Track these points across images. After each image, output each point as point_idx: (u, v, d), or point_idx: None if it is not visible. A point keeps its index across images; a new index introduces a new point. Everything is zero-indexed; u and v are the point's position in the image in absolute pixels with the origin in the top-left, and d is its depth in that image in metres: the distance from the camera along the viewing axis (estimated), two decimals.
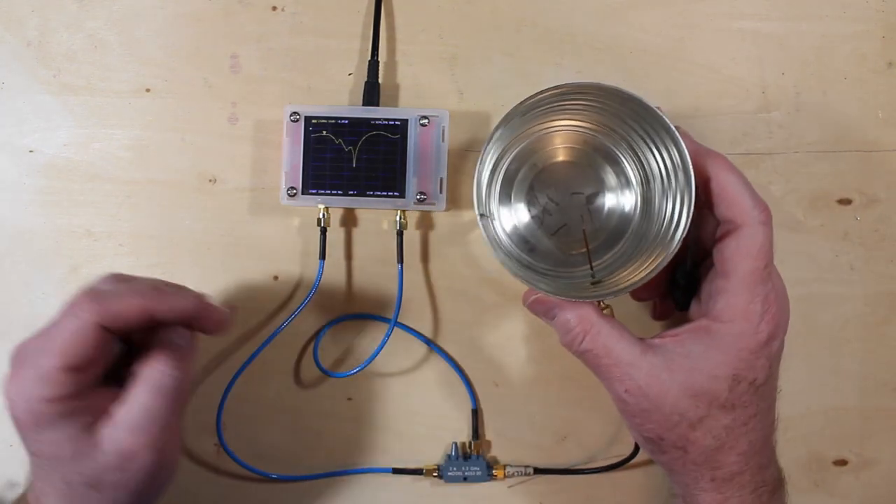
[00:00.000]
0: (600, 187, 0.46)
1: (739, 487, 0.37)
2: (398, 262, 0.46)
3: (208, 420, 0.48)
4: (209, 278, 0.48)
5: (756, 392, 0.37)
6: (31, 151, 0.48)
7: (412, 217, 0.48)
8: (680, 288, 0.40)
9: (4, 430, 0.48)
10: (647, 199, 0.45)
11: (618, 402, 0.38)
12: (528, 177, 0.46)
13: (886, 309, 0.48)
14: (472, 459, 0.47)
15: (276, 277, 0.48)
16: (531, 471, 0.47)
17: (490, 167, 0.44)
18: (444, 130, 0.45)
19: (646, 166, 0.44)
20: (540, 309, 0.40)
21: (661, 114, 0.38)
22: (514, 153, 0.46)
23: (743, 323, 0.36)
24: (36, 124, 0.48)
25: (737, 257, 0.36)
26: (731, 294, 0.36)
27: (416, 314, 0.48)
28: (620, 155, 0.45)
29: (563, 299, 0.38)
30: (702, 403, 0.36)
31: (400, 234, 0.46)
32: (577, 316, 0.38)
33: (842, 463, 0.48)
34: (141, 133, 0.48)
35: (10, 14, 0.48)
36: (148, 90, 0.48)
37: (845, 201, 0.48)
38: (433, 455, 0.48)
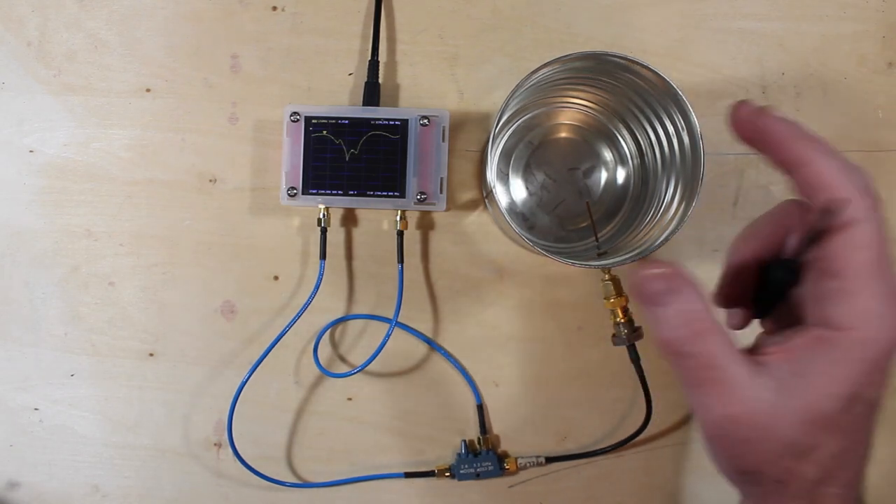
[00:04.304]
0: (596, 161, 0.46)
1: None
2: (398, 262, 0.46)
3: (208, 420, 0.48)
4: (209, 278, 0.48)
5: (870, 414, 0.31)
6: (31, 151, 0.48)
7: (412, 217, 0.48)
8: (770, 292, 0.34)
9: (4, 430, 0.48)
10: (643, 170, 0.45)
11: (711, 427, 0.31)
12: (525, 154, 0.46)
13: None
14: (482, 455, 0.47)
15: (276, 277, 0.48)
16: (543, 460, 0.48)
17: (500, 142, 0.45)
18: (444, 130, 0.45)
19: (642, 138, 0.45)
20: (653, 288, 0.31)
21: (667, 79, 0.37)
22: (510, 130, 0.46)
23: (867, 329, 0.30)
24: (36, 124, 0.48)
25: (847, 253, 0.30)
26: (849, 294, 0.30)
27: (417, 314, 0.48)
28: (616, 128, 0.46)
29: (687, 280, 0.31)
30: (815, 430, 0.30)
31: (400, 234, 0.46)
32: (696, 311, 0.31)
33: None
34: (141, 133, 0.48)
35: (10, 14, 0.48)
36: (148, 90, 0.48)
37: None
38: (433, 454, 0.48)
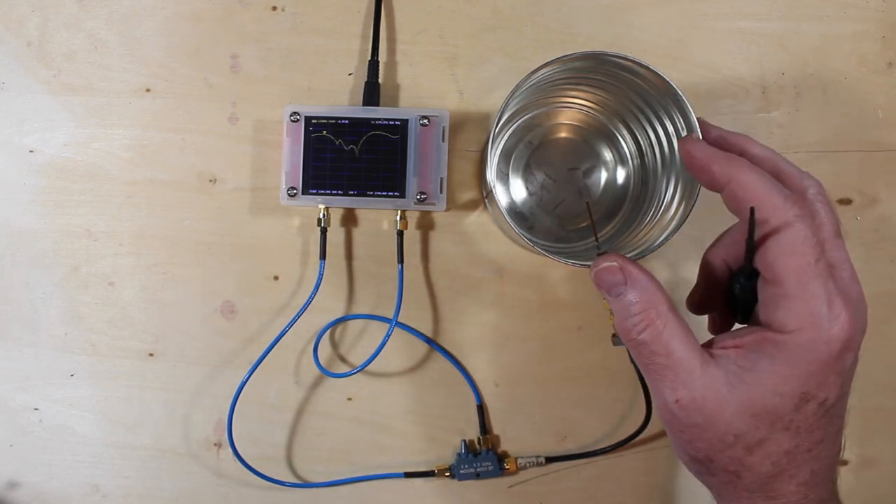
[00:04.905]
0: (596, 161, 0.46)
1: None
2: (398, 262, 0.46)
3: (208, 420, 0.48)
4: (209, 278, 0.48)
5: (825, 414, 0.32)
6: (31, 151, 0.48)
7: (412, 217, 0.48)
8: (738, 299, 0.36)
9: (4, 430, 0.48)
10: (643, 171, 0.45)
11: (664, 411, 0.33)
12: (525, 154, 0.46)
13: (886, 309, 0.48)
14: (482, 455, 0.47)
15: (276, 277, 0.48)
16: (543, 460, 0.48)
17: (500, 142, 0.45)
18: (444, 130, 0.45)
19: (642, 138, 0.45)
20: (608, 279, 0.34)
21: (667, 79, 0.38)
22: (510, 130, 0.46)
23: (811, 331, 0.31)
24: (36, 124, 0.48)
25: (781, 259, 0.31)
26: (789, 300, 0.31)
27: (417, 314, 0.48)
28: (615, 129, 0.46)
29: (641, 272, 0.34)
30: (763, 424, 0.32)
31: (400, 234, 0.46)
32: (646, 301, 0.33)
33: (842, 463, 0.48)
34: (141, 133, 0.48)
35: (10, 14, 0.48)
36: (148, 90, 0.48)
37: (845, 201, 0.48)
38: (433, 454, 0.48)
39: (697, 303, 0.39)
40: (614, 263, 0.34)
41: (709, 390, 0.32)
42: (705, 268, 0.37)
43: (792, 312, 0.31)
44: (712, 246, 0.38)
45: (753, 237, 0.33)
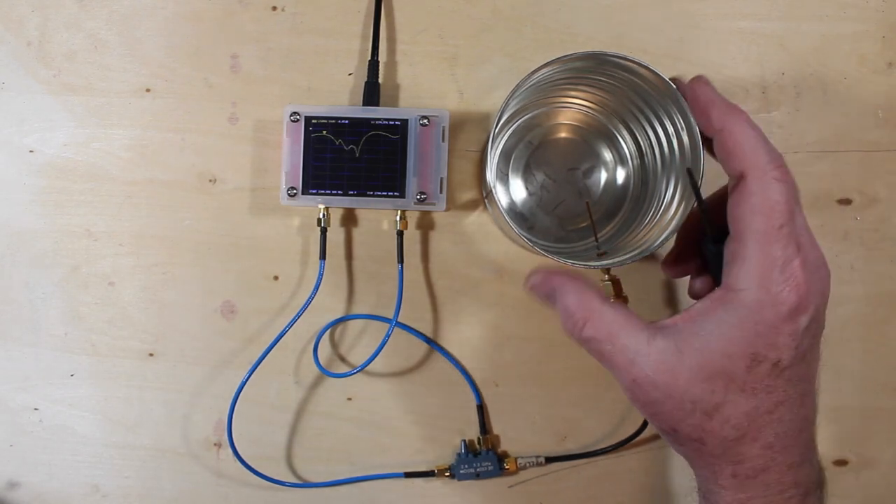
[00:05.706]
0: (596, 161, 0.46)
1: (764, 487, 0.33)
2: (398, 262, 0.46)
3: (208, 420, 0.48)
4: (209, 278, 0.48)
5: (780, 375, 0.32)
6: (31, 151, 0.48)
7: (412, 217, 0.48)
8: (708, 260, 0.36)
9: (4, 430, 0.48)
10: (643, 171, 0.45)
11: (626, 392, 0.35)
12: (525, 154, 0.46)
13: (886, 309, 0.48)
14: (482, 455, 0.47)
15: (276, 277, 0.48)
16: (543, 460, 0.47)
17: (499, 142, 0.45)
18: (444, 130, 0.45)
19: (642, 139, 0.45)
20: (540, 293, 0.37)
21: (667, 79, 0.38)
22: (510, 130, 0.46)
23: (759, 291, 0.32)
24: (36, 124, 0.48)
25: (747, 216, 0.32)
26: (744, 258, 0.32)
27: (417, 314, 0.48)
28: (615, 129, 0.46)
29: (565, 279, 0.36)
30: (717, 388, 0.32)
31: (400, 234, 0.46)
32: (579, 301, 0.35)
33: (842, 463, 0.48)
34: (141, 133, 0.48)
35: (10, 14, 0.48)
36: (148, 90, 0.48)
37: (845, 201, 0.48)
38: (433, 454, 0.48)
39: (671, 263, 0.41)
40: (538, 277, 0.37)
41: (659, 363, 0.33)
42: (682, 230, 0.39)
43: (744, 271, 0.32)
44: (692, 211, 0.38)
45: (703, 201, 0.34)
